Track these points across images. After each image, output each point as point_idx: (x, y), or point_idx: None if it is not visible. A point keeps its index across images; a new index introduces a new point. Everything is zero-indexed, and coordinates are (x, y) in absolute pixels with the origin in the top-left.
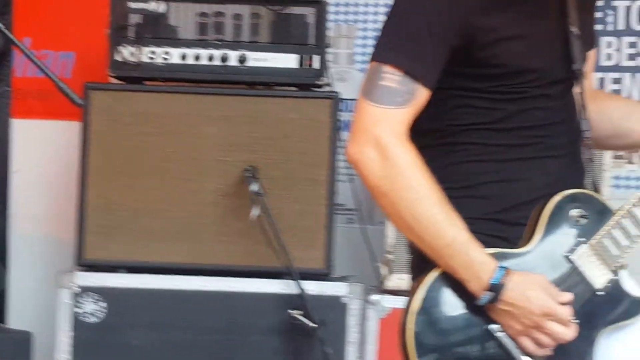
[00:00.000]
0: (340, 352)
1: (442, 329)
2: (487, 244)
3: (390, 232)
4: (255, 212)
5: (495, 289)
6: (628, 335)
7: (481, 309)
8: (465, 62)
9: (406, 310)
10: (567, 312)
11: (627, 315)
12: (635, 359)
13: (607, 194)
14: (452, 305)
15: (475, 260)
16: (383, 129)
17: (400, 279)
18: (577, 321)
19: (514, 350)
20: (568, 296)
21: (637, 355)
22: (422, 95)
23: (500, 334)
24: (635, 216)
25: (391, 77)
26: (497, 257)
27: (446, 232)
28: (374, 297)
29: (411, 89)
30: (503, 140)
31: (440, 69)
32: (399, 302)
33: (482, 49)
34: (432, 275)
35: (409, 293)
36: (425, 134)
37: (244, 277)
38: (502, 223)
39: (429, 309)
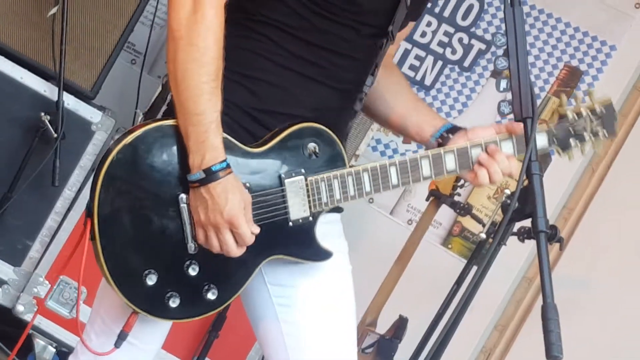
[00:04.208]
0: (67, 170)
1: (139, 170)
2: (234, 131)
3: (163, 89)
4: (53, 10)
5: (209, 174)
6: (293, 273)
7: (185, 178)
8: None
9: (119, 139)
10: (249, 237)
11: (304, 256)
12: (294, 296)
13: (362, 150)
14: (161, 157)
15: (209, 141)
16: None
17: None
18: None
19: (187, 227)
20: (257, 229)
21: (296, 292)
22: None
23: (183, 206)
24: (360, 180)
25: None
26: (227, 144)
27: (202, 102)
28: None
29: None
30: (297, 50)
31: None
32: None
33: None
34: (162, 124)
35: (133, 127)
36: (236, 9)
37: (14, 62)
38: (255, 121)
39: (138, 147)
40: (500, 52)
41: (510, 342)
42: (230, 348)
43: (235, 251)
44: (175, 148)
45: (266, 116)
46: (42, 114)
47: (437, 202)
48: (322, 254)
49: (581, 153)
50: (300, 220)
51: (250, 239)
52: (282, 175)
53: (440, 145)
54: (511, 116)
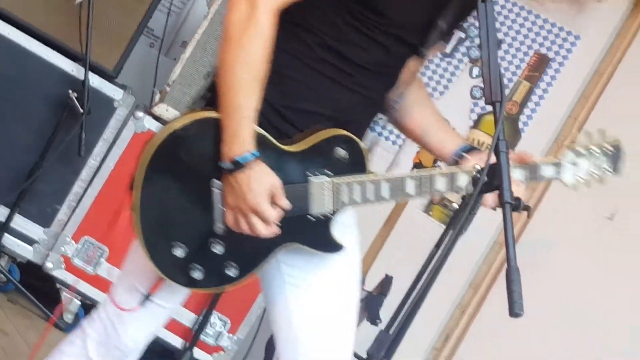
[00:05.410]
0: (92, 142)
1: (182, 155)
2: (263, 126)
3: (177, 71)
4: None
5: (235, 164)
6: (308, 259)
7: (219, 165)
8: None
9: (169, 125)
10: (273, 215)
11: (318, 247)
12: (305, 280)
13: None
14: (202, 146)
15: (240, 133)
16: None
17: (166, 110)
18: (280, 225)
19: (217, 208)
20: (285, 204)
21: (307, 277)
22: None
23: (216, 191)
24: (378, 186)
25: None
26: (261, 139)
27: (241, 97)
28: (139, 113)
29: None
30: (327, 56)
31: None
32: (156, 127)
33: None
34: (207, 114)
35: (182, 114)
36: (283, 13)
37: (45, 45)
38: (283, 118)
39: (183, 133)
40: (477, 40)
41: (483, 299)
42: (235, 301)
43: (263, 232)
44: (215, 138)
45: (296, 114)
46: (70, 91)
47: None
48: (334, 247)
49: (586, 187)
50: (320, 216)
51: (274, 218)
52: (308, 173)
53: (456, 162)
54: (483, 98)
